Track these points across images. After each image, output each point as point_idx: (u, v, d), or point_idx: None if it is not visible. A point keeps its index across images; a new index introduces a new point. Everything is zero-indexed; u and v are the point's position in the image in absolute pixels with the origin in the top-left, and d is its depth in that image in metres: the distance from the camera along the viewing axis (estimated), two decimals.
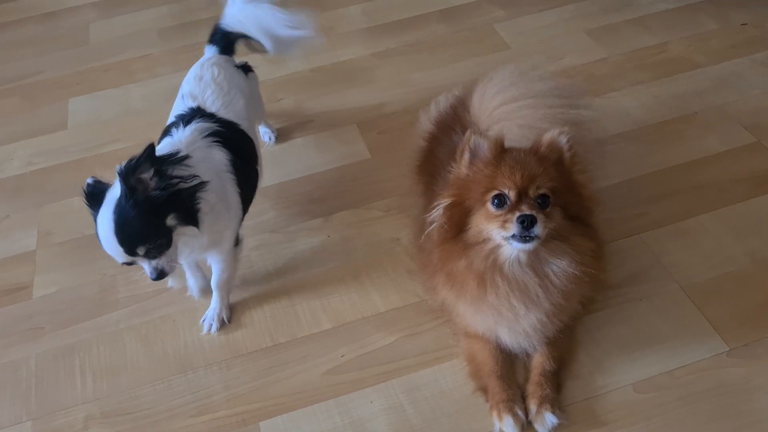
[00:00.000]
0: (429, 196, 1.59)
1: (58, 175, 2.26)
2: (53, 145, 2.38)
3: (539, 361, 1.48)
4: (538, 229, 1.28)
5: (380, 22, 2.79)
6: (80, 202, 2.08)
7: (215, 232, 1.53)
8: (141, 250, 1.37)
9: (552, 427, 1.40)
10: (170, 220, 1.39)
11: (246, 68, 1.95)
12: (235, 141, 1.64)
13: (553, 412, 1.41)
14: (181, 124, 1.60)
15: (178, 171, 1.41)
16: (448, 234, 1.39)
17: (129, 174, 1.34)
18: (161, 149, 1.51)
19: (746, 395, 1.43)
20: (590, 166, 1.50)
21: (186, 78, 1.82)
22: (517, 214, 1.28)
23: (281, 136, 2.25)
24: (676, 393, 1.45)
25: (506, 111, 1.62)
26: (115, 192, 1.38)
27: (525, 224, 1.27)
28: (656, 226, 1.81)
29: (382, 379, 1.55)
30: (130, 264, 1.43)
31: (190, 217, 1.43)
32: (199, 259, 1.69)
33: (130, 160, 1.34)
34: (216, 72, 1.77)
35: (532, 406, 1.42)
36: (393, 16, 2.81)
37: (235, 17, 1.90)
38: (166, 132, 1.63)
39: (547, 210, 1.31)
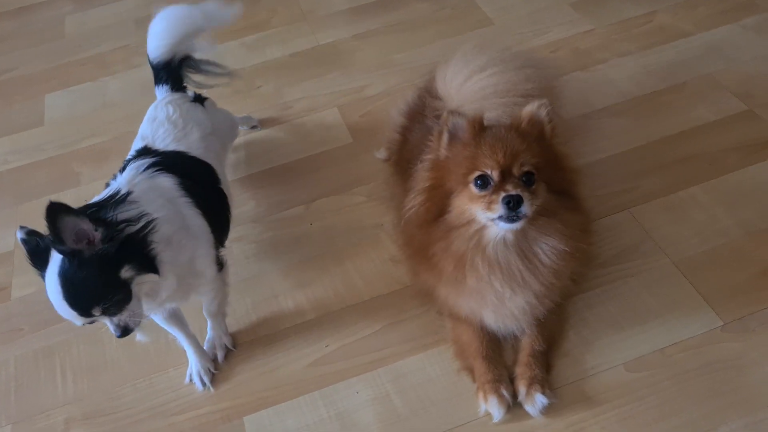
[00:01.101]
0: (407, 186, 1.54)
1: (35, 173, 2.21)
2: (30, 143, 2.33)
3: (528, 341, 1.45)
4: (525, 209, 1.24)
5: (360, 3, 2.72)
6: (57, 200, 2.07)
7: (180, 266, 1.32)
8: (97, 311, 1.19)
9: (543, 408, 1.37)
10: (125, 272, 1.20)
11: (200, 99, 1.80)
12: (181, 165, 1.48)
13: (544, 393, 1.38)
14: (118, 173, 1.43)
15: (123, 214, 1.23)
16: (428, 217, 1.34)
17: (56, 240, 1.14)
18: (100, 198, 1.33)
19: (740, 370, 1.40)
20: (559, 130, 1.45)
21: (144, 118, 1.68)
22: (503, 194, 1.23)
23: (261, 123, 2.20)
24: (669, 371, 1.41)
25: (473, 85, 1.58)
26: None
27: (511, 205, 1.23)
28: (646, 200, 1.76)
29: (367, 369, 1.51)
30: (91, 323, 1.24)
31: (147, 264, 1.23)
32: (179, 305, 1.48)
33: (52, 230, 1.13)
34: (171, 110, 1.64)
35: (522, 388, 1.39)
36: None
37: (157, 45, 1.74)
38: (106, 185, 1.42)
39: (533, 187, 1.27)
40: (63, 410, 1.54)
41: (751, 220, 1.67)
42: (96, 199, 1.30)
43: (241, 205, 1.91)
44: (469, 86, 1.60)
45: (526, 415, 1.38)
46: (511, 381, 1.42)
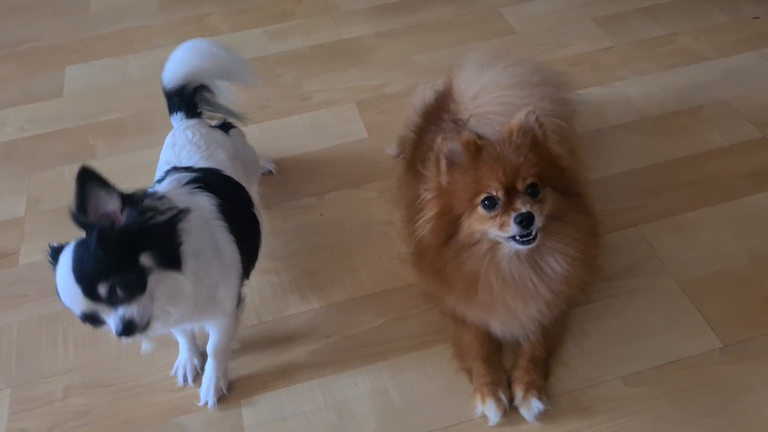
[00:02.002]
0: (419, 186, 1.55)
1: (50, 143, 2.22)
2: (48, 113, 2.35)
3: (529, 347, 1.46)
4: (537, 223, 1.25)
5: (385, 2, 2.74)
6: (71, 171, 2.09)
7: (205, 286, 1.26)
8: (103, 289, 1.09)
9: (538, 414, 1.38)
10: (145, 259, 1.12)
11: (226, 126, 1.72)
12: (219, 185, 1.42)
13: (540, 399, 1.39)
14: (156, 183, 1.41)
15: (154, 203, 1.18)
16: (437, 240, 1.35)
17: (79, 210, 1.09)
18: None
19: (736, 394, 1.40)
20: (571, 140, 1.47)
21: (162, 148, 1.59)
22: (513, 214, 1.24)
23: (278, 112, 2.21)
24: (666, 388, 1.42)
25: (487, 98, 1.59)
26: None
27: (524, 223, 1.23)
28: (655, 218, 1.77)
29: (368, 362, 1.52)
30: (92, 318, 1.13)
31: (171, 257, 1.16)
32: (194, 326, 1.44)
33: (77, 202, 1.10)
34: (190, 134, 1.56)
35: (519, 392, 1.40)
36: None
37: (174, 71, 1.66)
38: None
39: (539, 197, 1.28)
40: (63, 378, 1.56)
41: (757, 247, 1.68)
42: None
43: None
44: (482, 94, 1.60)
45: (522, 420, 1.39)
46: (509, 385, 1.43)
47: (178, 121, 1.66)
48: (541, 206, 1.27)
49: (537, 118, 1.33)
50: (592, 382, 1.45)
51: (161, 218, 1.16)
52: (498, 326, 1.45)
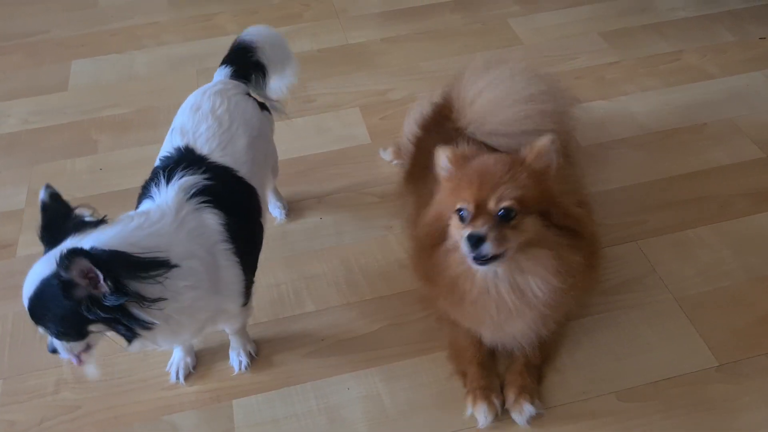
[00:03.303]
0: (419, 198, 1.57)
1: (53, 136, 2.22)
2: (51, 105, 2.35)
3: (524, 352, 1.45)
4: (487, 248, 1.21)
5: (393, 8, 2.74)
6: (73, 165, 2.10)
7: (199, 319, 1.26)
8: (43, 327, 1.14)
9: (530, 418, 1.38)
10: (94, 327, 1.12)
11: (263, 105, 1.63)
12: (230, 195, 1.33)
13: (532, 403, 1.39)
14: (162, 180, 1.29)
15: (147, 288, 1.10)
16: (431, 242, 1.36)
17: (65, 267, 1.04)
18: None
19: (731, 413, 1.40)
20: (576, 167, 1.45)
21: (182, 106, 1.49)
22: (465, 232, 1.22)
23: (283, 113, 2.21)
24: (660, 405, 1.42)
25: (487, 110, 1.59)
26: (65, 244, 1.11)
27: (473, 243, 1.21)
28: (654, 234, 1.77)
29: (361, 367, 1.52)
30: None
31: (125, 332, 1.13)
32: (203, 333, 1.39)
33: (69, 253, 1.02)
34: (217, 102, 1.44)
35: (511, 395, 1.40)
36: (407, 3, 2.76)
37: (255, 32, 1.66)
38: (147, 189, 1.32)
39: (512, 222, 1.23)
40: (55, 371, 1.55)
41: (756, 266, 1.68)
42: (133, 231, 1.16)
43: None
44: (479, 103, 1.60)
45: (513, 425, 1.39)
46: (502, 388, 1.43)
47: (220, 74, 1.60)
48: (513, 232, 1.23)
49: (555, 150, 1.29)
50: (586, 396, 1.44)
51: (136, 312, 1.10)
52: (487, 335, 1.45)
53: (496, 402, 1.40)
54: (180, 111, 1.48)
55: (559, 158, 1.33)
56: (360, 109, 2.23)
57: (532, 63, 1.73)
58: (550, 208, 1.27)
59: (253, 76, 1.63)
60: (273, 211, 1.88)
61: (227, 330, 1.49)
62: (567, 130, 1.64)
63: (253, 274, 1.40)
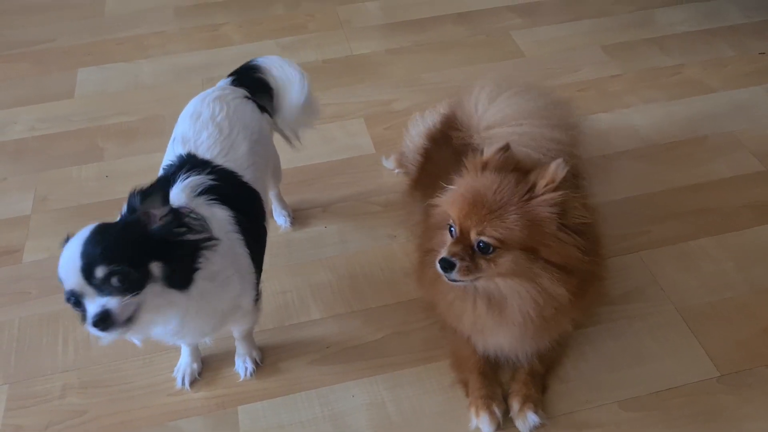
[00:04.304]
0: (425, 204, 1.56)
1: (59, 143, 2.24)
2: (58, 113, 2.37)
3: (528, 362, 1.47)
4: (454, 276, 1.23)
5: (397, 20, 2.77)
6: (79, 172, 2.11)
7: (228, 299, 1.29)
8: (101, 272, 1.05)
9: (533, 427, 1.39)
10: (155, 267, 1.10)
11: (262, 107, 1.63)
12: (234, 195, 1.36)
13: (536, 413, 1.40)
14: (169, 183, 1.32)
15: (193, 221, 1.17)
16: (432, 245, 1.37)
17: (141, 200, 1.11)
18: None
19: (732, 423, 1.41)
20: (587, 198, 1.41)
21: (181, 115, 1.50)
22: (440, 255, 1.24)
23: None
24: (662, 415, 1.43)
25: (498, 131, 1.58)
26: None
27: (442, 266, 1.23)
28: (657, 245, 1.78)
29: (366, 374, 1.53)
30: (76, 298, 1.08)
31: (180, 278, 1.14)
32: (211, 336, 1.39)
33: (144, 189, 1.11)
34: (217, 109, 1.46)
35: (515, 405, 1.41)
36: (410, 15, 2.79)
37: (266, 61, 1.70)
38: None
39: (490, 255, 1.23)
40: (61, 376, 1.56)
41: (758, 278, 1.69)
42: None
43: None
44: (494, 124, 1.60)
45: None
46: (505, 397, 1.44)
47: (222, 84, 1.60)
48: (488, 264, 1.23)
49: (563, 194, 1.22)
50: (589, 405, 1.45)
51: (190, 237, 1.14)
52: (480, 344, 1.45)
53: (497, 411, 1.40)
54: (180, 119, 1.50)
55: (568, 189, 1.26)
56: (364, 119, 2.25)
57: (539, 78, 1.72)
58: (539, 248, 1.23)
59: (257, 94, 1.63)
60: (278, 219, 1.89)
61: (235, 334, 1.50)
62: (575, 145, 1.65)
63: (260, 273, 1.42)
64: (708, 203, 1.90)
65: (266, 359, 1.57)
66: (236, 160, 1.42)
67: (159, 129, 2.24)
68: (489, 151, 1.32)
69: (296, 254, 1.82)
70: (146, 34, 2.77)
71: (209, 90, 1.56)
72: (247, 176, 1.43)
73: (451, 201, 1.31)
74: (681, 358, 1.53)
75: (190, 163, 1.36)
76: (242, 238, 1.32)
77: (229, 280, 1.26)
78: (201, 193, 1.30)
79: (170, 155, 1.43)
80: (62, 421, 1.48)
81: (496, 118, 1.60)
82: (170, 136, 1.49)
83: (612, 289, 1.67)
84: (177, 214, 1.14)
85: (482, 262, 1.24)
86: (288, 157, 2.10)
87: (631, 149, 2.10)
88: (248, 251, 1.33)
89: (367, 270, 1.76)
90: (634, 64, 2.45)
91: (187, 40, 2.72)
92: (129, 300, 1.07)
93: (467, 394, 1.46)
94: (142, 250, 1.10)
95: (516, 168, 1.33)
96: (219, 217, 1.29)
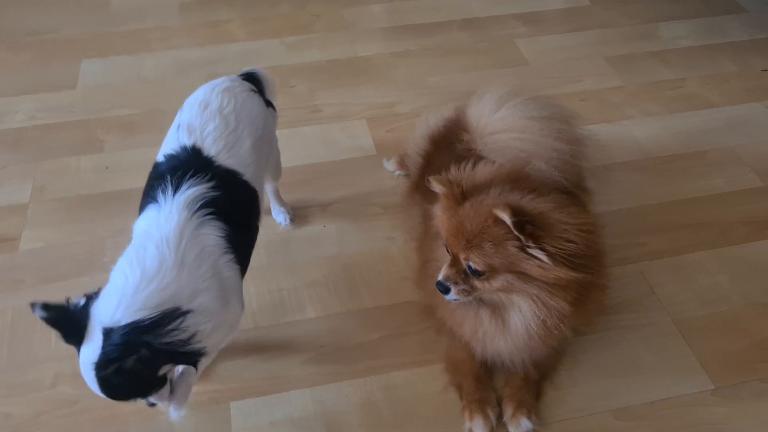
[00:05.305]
0: (424, 210, 1.58)
1: (59, 133, 2.23)
2: (59, 103, 2.36)
3: (523, 368, 1.47)
4: (452, 296, 1.30)
5: (402, 23, 2.78)
6: (78, 162, 2.11)
7: (223, 337, 1.33)
8: (133, 400, 1.21)
9: None
10: (163, 371, 1.18)
11: (268, 102, 1.64)
12: (232, 202, 1.35)
13: (530, 418, 1.40)
14: (169, 186, 1.30)
15: (174, 336, 1.15)
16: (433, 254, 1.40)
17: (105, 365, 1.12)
18: (143, 218, 1.31)
19: None
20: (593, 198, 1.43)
21: (187, 101, 1.49)
22: (438, 276, 1.29)
23: (289, 121, 2.23)
24: (655, 425, 1.43)
25: (504, 137, 1.59)
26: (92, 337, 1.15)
27: (439, 289, 1.30)
28: (653, 257, 1.79)
29: (360, 375, 1.53)
30: None
31: (189, 362, 1.21)
32: None
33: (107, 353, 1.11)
34: (225, 101, 1.46)
35: (509, 409, 1.41)
36: (416, 20, 2.80)
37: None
38: (153, 192, 1.32)
39: (483, 277, 1.26)
40: (53, 365, 1.55)
41: (753, 293, 1.70)
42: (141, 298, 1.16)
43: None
44: (496, 130, 1.61)
45: None
46: (499, 402, 1.44)
47: (232, 79, 1.57)
48: (482, 283, 1.27)
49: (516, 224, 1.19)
50: (583, 413, 1.45)
51: (180, 349, 1.17)
52: (478, 350, 1.46)
53: (492, 415, 1.41)
54: (187, 106, 1.48)
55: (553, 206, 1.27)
56: (367, 120, 2.25)
57: (541, 86, 1.72)
58: (526, 270, 1.24)
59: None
60: (277, 216, 1.89)
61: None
62: (580, 156, 1.65)
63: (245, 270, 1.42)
64: (705, 217, 1.91)
65: (260, 355, 1.57)
66: (239, 156, 1.41)
67: (160, 123, 2.21)
68: (458, 177, 1.34)
69: (294, 253, 1.81)
70: (151, 27, 2.77)
71: (218, 80, 1.55)
72: (248, 174, 1.42)
73: (440, 223, 1.33)
74: (676, 370, 1.53)
75: (194, 165, 1.35)
76: (231, 257, 1.30)
77: (217, 327, 1.26)
78: (198, 209, 1.29)
79: (173, 143, 1.40)
80: (53, 410, 1.48)
81: (502, 125, 1.61)
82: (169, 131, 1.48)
83: (609, 298, 1.67)
84: (154, 349, 1.12)
85: (476, 283, 1.28)
86: (288, 156, 2.10)
87: (629, 160, 2.10)
88: (238, 267, 1.32)
89: (364, 271, 1.76)
90: (636, 77, 2.46)
91: (191, 35, 2.72)
92: (161, 392, 1.20)
93: (461, 398, 1.46)
94: (148, 377, 1.16)
95: (517, 183, 1.34)
96: (209, 245, 1.27)
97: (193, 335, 1.17)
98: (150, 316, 1.12)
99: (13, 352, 1.58)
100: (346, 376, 1.52)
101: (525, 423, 1.39)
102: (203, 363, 1.26)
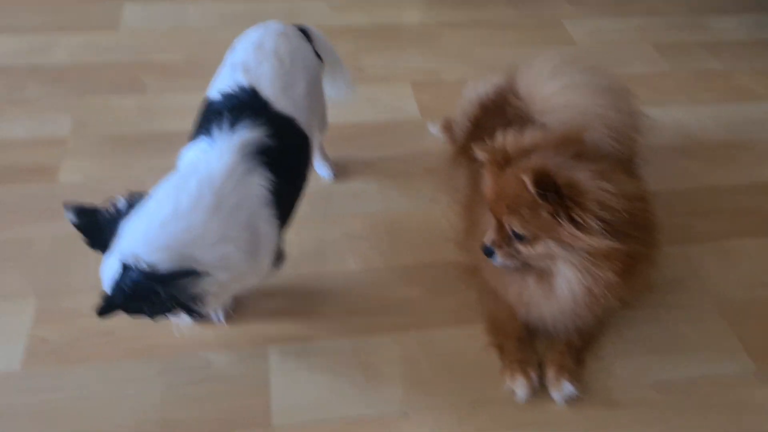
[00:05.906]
0: (471, 173, 1.59)
1: (101, 72, 2.21)
2: (101, 43, 2.34)
3: (566, 334, 1.45)
4: (497, 260, 1.32)
5: None
6: (120, 101, 2.08)
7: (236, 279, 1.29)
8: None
9: (568, 396, 1.37)
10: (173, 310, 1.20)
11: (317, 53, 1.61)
12: (286, 152, 1.33)
13: (572, 383, 1.38)
14: (226, 124, 1.28)
15: (185, 289, 1.16)
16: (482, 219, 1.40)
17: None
18: (193, 149, 1.29)
19: (767, 418, 1.40)
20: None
21: (240, 42, 1.48)
22: (485, 241, 1.32)
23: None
24: (696, 401, 1.42)
25: (559, 102, 1.57)
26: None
27: (485, 252, 1.32)
28: (700, 240, 1.77)
29: (400, 329, 1.51)
30: None
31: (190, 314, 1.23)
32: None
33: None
34: (280, 42, 1.44)
35: (551, 373, 1.40)
36: None
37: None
38: (207, 124, 1.30)
39: (525, 242, 1.26)
40: (89, 295, 1.52)
41: None
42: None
43: None
44: (553, 97, 1.59)
45: (549, 401, 1.39)
46: (541, 366, 1.43)
47: (284, 24, 1.54)
48: (526, 248, 1.27)
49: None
50: (624, 383, 1.43)
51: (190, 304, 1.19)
52: (522, 312, 1.44)
53: (534, 376, 1.39)
54: (241, 46, 1.46)
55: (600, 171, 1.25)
56: (411, 84, 2.22)
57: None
58: (561, 235, 1.22)
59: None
60: (320, 170, 1.86)
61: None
62: (636, 129, 1.63)
63: (291, 221, 1.40)
64: (753, 205, 1.88)
65: (303, 305, 1.56)
66: (294, 99, 1.40)
67: (201, 71, 2.17)
68: (503, 143, 1.33)
69: (336, 206, 1.79)
70: None
71: (270, 22, 1.53)
72: (302, 119, 1.40)
73: (485, 188, 1.32)
74: (718, 350, 1.52)
75: (250, 108, 1.32)
76: (274, 212, 1.27)
77: (235, 278, 1.25)
78: (249, 155, 1.26)
79: (229, 80, 1.37)
80: (88, 338, 1.46)
81: (558, 91, 1.58)
82: (211, 78, 1.45)
83: (654, 276, 1.65)
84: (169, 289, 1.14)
85: (521, 248, 1.27)
86: (332, 113, 2.08)
87: (677, 145, 2.08)
88: (278, 222, 1.29)
89: (406, 229, 1.74)
90: (685, 65, 2.43)
91: None
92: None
93: (501, 359, 1.44)
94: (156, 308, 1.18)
95: (564, 148, 1.32)
96: (251, 196, 1.24)
97: (206, 292, 1.17)
98: (166, 269, 1.12)
99: (49, 280, 1.57)
100: (387, 329, 1.51)
101: (567, 387, 1.37)
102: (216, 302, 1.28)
